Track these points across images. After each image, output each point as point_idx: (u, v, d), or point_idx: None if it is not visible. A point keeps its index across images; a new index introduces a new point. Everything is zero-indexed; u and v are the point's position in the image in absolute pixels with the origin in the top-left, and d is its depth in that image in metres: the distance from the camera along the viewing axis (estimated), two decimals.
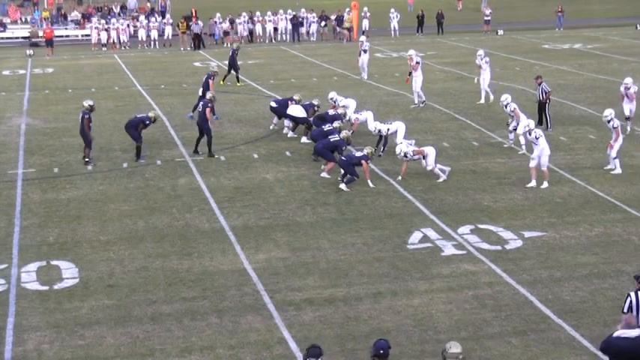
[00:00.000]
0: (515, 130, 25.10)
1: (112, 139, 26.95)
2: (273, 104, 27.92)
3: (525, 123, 22.63)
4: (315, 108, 26.77)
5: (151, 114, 24.93)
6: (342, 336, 13.96)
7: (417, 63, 31.51)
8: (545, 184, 21.53)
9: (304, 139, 26.38)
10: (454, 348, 10.53)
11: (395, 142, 24.06)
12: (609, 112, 23.13)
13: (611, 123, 22.88)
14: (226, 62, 38.62)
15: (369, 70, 38.64)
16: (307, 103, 27.12)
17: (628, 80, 27.57)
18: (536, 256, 17.24)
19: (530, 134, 21.98)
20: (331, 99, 27.75)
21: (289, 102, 27.26)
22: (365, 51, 38.01)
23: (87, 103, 24.41)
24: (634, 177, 22.30)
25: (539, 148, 21.63)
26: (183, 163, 24.47)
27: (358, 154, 22.00)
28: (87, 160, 24.24)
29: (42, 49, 50.79)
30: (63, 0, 63.32)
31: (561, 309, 14.85)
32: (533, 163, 21.71)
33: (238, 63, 37.84)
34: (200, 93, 29.43)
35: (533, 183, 21.58)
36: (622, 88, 27.51)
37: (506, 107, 25.39)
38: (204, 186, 22.23)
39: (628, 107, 27.17)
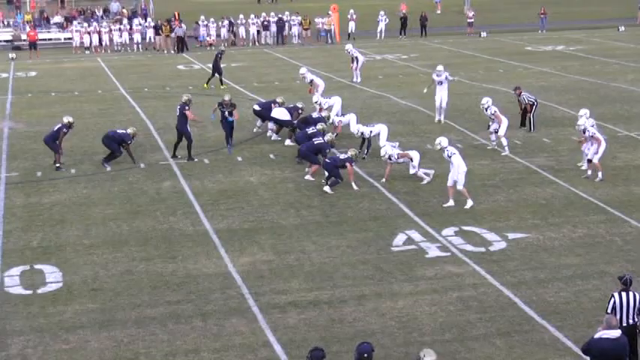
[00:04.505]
0: (496, 132, 25.17)
1: (95, 142, 26.81)
2: (257, 107, 27.87)
3: (505, 127, 22.18)
4: (300, 111, 26.78)
5: (130, 130, 24.53)
6: (326, 339, 13.96)
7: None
8: (469, 203, 20.33)
9: (288, 142, 26.38)
10: (428, 356, 10.38)
11: (379, 144, 24.10)
12: (582, 122, 22.61)
13: (587, 133, 22.42)
14: (210, 65, 38.61)
15: (360, 73, 38.51)
16: (291, 105, 27.11)
17: (581, 121, 22.81)
18: (520, 258, 17.30)
19: (443, 152, 20.65)
20: (316, 102, 27.78)
21: (272, 105, 27.23)
22: (357, 58, 37.92)
23: (67, 119, 24.32)
24: (617, 178, 22.40)
25: (454, 167, 20.29)
26: (167, 166, 24.42)
27: (342, 156, 22.02)
28: (58, 165, 24.13)
29: (25, 53, 50.57)
30: (46, 3, 63.03)
31: (545, 310, 14.91)
32: (450, 182, 20.49)
33: (222, 66, 37.81)
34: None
35: (450, 203, 20.41)
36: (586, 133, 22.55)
37: (486, 110, 25.39)
38: (188, 189, 22.19)
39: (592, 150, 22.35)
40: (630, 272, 14.63)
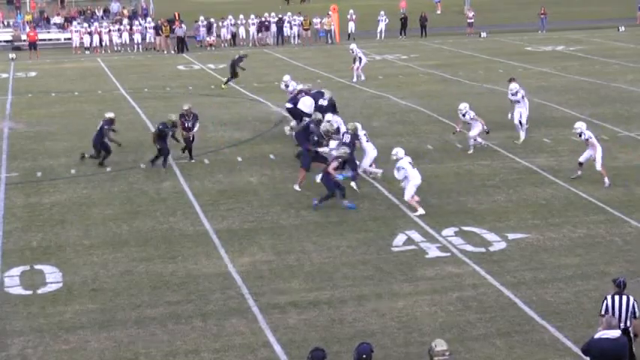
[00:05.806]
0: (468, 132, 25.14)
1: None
2: (289, 105, 27.06)
3: (478, 130, 22.41)
4: (322, 90, 26.62)
5: (173, 117, 24.65)
6: (326, 339, 13.95)
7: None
8: (420, 211, 19.83)
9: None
10: (440, 346, 10.54)
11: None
12: (580, 125, 22.15)
13: (582, 136, 21.99)
14: (210, 65, 38.56)
15: (360, 73, 38.51)
16: (315, 91, 26.94)
17: None
18: (520, 258, 17.29)
19: (396, 163, 20.23)
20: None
21: (299, 95, 26.66)
22: (360, 58, 37.99)
23: (108, 115, 24.53)
24: (617, 179, 22.36)
25: (408, 181, 20.04)
26: (167, 166, 24.39)
27: (334, 152, 22.09)
28: (100, 162, 24.30)
29: (25, 53, 50.59)
30: (46, 3, 63.07)
31: (545, 310, 14.90)
32: (407, 196, 20.21)
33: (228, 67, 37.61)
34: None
35: (420, 211, 19.99)
36: None
37: (464, 116, 24.92)
38: (188, 189, 22.19)
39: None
40: (630, 272, 14.64)
